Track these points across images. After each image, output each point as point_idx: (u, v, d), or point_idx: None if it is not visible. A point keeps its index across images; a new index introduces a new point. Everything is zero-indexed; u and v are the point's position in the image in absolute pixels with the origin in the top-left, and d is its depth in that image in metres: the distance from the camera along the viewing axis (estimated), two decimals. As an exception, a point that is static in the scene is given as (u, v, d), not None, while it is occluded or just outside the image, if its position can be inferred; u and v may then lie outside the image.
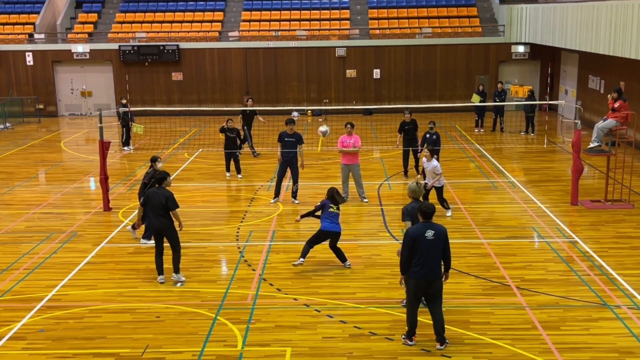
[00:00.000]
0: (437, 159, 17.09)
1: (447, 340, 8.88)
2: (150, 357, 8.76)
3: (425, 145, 15.41)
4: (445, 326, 9.17)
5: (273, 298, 10.58)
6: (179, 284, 11.17)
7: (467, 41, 30.90)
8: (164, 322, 9.77)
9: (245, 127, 21.34)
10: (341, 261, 11.80)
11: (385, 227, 14.10)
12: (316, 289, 10.85)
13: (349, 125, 15.74)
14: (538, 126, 26.17)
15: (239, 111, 21.93)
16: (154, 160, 13.35)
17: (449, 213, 14.59)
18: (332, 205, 11.66)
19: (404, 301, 9.60)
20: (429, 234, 8.63)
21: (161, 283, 11.19)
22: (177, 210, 11.21)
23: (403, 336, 9.05)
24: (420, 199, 10.13)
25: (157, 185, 11.34)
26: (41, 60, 31.54)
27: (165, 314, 10.06)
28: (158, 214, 11.08)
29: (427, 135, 17.38)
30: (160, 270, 11.25)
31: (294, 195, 15.92)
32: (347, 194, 15.98)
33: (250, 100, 22.06)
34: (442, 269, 8.88)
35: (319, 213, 11.79)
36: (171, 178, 11.46)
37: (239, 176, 18.68)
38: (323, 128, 17.05)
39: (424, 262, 8.61)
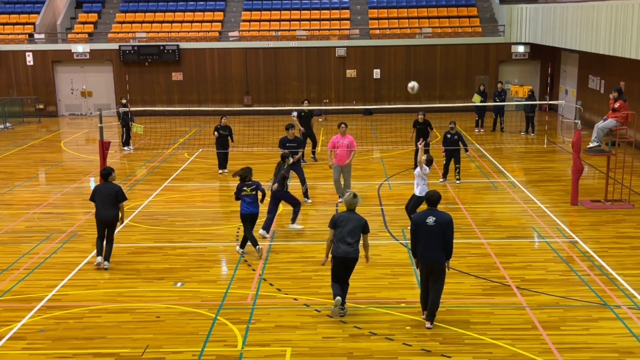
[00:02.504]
0: (458, 161, 17.26)
1: (432, 325, 9.33)
2: (150, 357, 8.76)
3: (424, 148, 14.99)
4: (446, 326, 9.33)
5: (273, 298, 10.58)
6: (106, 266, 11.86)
7: (467, 41, 30.91)
8: (164, 322, 9.77)
9: (302, 129, 20.23)
10: (253, 245, 12.32)
11: (385, 227, 14.10)
12: (316, 289, 10.85)
13: (343, 125, 15.69)
14: (538, 126, 26.17)
15: (296, 111, 20.68)
16: (286, 157, 13.88)
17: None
18: (245, 188, 12.24)
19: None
20: (430, 220, 9.15)
21: (98, 264, 11.90)
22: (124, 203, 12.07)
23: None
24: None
25: (103, 181, 12.10)
26: (41, 60, 31.54)
27: (165, 314, 10.06)
28: (107, 206, 11.77)
29: (448, 136, 17.35)
30: (100, 251, 11.96)
31: (306, 194, 15.98)
32: (342, 194, 15.97)
33: (306, 101, 21.40)
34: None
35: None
36: (115, 173, 12.27)
37: (226, 171, 19.13)
38: (411, 84, 17.26)
39: (425, 247, 9.17)
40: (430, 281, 9.31)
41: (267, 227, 13.45)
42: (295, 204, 13.78)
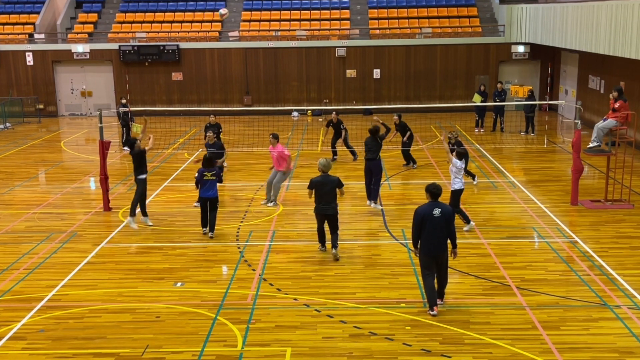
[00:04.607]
0: (465, 166, 17.19)
1: (443, 301, 10.02)
2: (150, 357, 8.76)
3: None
4: (446, 326, 9.38)
5: (273, 298, 10.58)
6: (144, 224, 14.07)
7: (467, 41, 30.91)
8: (164, 322, 9.77)
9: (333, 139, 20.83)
10: (210, 227, 13.49)
11: (385, 227, 14.10)
12: (316, 289, 10.85)
13: (271, 137, 15.86)
14: (538, 126, 26.17)
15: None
16: (375, 131, 15.66)
17: (466, 227, 13.61)
18: (206, 172, 13.34)
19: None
20: (436, 212, 9.58)
21: (132, 224, 14.16)
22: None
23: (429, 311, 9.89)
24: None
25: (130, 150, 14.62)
26: (41, 60, 31.54)
27: (165, 314, 10.06)
28: (135, 170, 14.11)
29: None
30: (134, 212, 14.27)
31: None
32: (269, 198, 15.95)
33: (334, 112, 21.18)
34: (450, 246, 9.87)
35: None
36: (140, 142, 14.38)
37: (225, 166, 19.44)
38: (223, 11, 17.63)
39: (431, 238, 9.56)
40: (436, 268, 9.81)
41: (374, 197, 15.14)
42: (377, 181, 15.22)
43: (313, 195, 12.13)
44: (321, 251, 12.47)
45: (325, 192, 11.93)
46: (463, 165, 13.37)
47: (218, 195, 13.64)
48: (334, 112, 21.25)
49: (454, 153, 13.54)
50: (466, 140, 23.61)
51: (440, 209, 9.60)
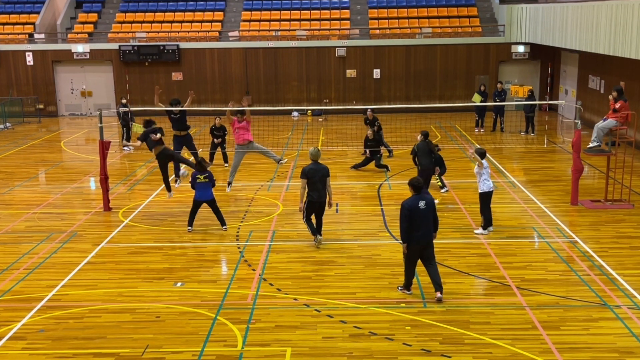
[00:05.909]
0: (440, 177, 16.89)
1: (442, 295, 10.18)
2: (150, 357, 8.76)
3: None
4: (446, 326, 9.37)
5: (273, 298, 10.58)
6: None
7: (467, 41, 30.91)
8: (164, 322, 9.77)
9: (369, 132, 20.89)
10: (221, 223, 13.89)
11: (385, 227, 14.10)
12: (316, 289, 10.85)
13: (238, 115, 16.12)
14: (538, 126, 26.17)
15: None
16: (426, 136, 16.09)
17: (478, 230, 13.55)
18: (199, 176, 13.56)
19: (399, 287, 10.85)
20: (421, 204, 10.07)
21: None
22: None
23: (400, 287, 10.65)
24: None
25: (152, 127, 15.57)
26: (41, 60, 31.54)
27: (165, 314, 10.06)
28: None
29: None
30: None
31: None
32: (232, 181, 16.52)
33: (369, 110, 21.17)
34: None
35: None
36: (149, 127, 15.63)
37: (226, 165, 20.11)
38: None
39: (419, 229, 10.04)
40: (425, 260, 10.25)
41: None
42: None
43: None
44: (317, 241, 12.72)
45: (317, 179, 12.44)
46: (487, 164, 13.42)
47: (214, 197, 13.90)
48: (369, 110, 21.22)
49: (479, 154, 13.31)
50: (466, 140, 23.63)
51: (424, 201, 10.10)
